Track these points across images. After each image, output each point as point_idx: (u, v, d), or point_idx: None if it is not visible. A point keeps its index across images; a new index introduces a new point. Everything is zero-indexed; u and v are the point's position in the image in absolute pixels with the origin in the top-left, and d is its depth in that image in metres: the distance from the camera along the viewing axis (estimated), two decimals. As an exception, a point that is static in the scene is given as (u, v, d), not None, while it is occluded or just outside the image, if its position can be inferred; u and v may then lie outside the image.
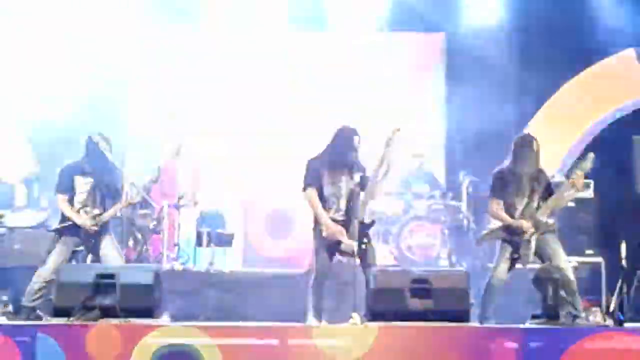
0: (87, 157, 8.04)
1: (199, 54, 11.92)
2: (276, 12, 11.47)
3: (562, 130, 11.47)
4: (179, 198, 10.37)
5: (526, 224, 7.63)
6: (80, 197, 8.02)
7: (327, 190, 7.59)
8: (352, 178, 7.56)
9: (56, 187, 8.08)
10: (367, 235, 7.46)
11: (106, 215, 8.02)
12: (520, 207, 7.72)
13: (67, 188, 8.01)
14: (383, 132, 7.55)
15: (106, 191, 8.08)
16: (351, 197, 7.57)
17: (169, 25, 11.60)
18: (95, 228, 7.96)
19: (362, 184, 7.55)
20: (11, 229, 9.50)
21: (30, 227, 9.56)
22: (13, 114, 11.33)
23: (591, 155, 7.65)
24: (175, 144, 8.18)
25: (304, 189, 7.61)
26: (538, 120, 11.52)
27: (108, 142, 8.05)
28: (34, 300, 7.90)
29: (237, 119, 11.92)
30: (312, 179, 7.58)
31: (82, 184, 8.02)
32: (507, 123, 11.35)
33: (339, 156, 7.60)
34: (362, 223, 7.46)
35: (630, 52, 11.46)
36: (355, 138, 7.62)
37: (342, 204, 7.60)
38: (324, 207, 7.56)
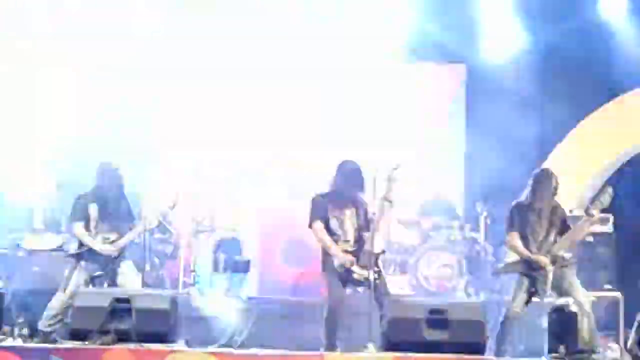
0: (99, 185, 8.12)
1: (222, 79, 11.95)
2: (301, 40, 11.49)
3: (583, 163, 11.42)
4: (197, 223, 10.38)
5: (544, 260, 7.57)
6: (94, 223, 8.07)
7: (334, 223, 7.65)
8: (357, 211, 7.61)
9: (72, 216, 8.18)
10: (377, 265, 7.46)
11: (124, 240, 8.06)
12: (537, 241, 7.69)
13: (82, 216, 8.08)
14: (385, 168, 7.60)
15: (120, 217, 8.13)
16: (358, 229, 7.61)
17: (191, 49, 11.67)
18: (116, 253, 8.00)
19: (367, 218, 7.58)
20: (30, 252, 9.52)
21: (49, 250, 9.58)
22: (32, 137, 11.39)
23: (610, 189, 7.62)
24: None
25: (311, 224, 7.67)
26: (559, 152, 11.47)
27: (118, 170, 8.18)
28: (50, 326, 7.92)
29: (255, 144, 11.95)
30: (318, 213, 7.67)
31: (97, 211, 8.07)
32: (528, 155, 11.33)
33: (344, 190, 7.66)
34: (371, 253, 7.46)
35: (654, 85, 11.42)
36: (358, 172, 7.68)
37: (350, 236, 7.65)
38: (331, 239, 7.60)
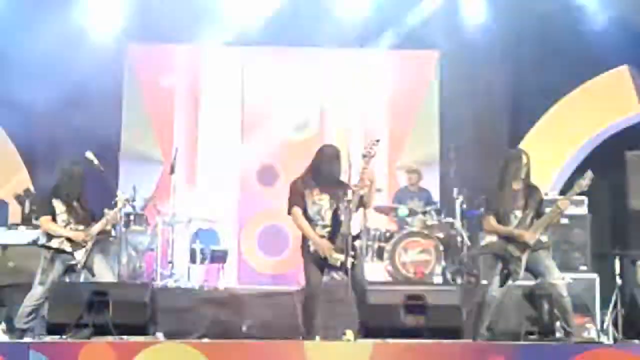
0: (63, 180, 8.10)
1: (191, 70, 11.93)
2: (274, 26, 11.46)
3: (556, 147, 11.48)
4: (173, 215, 10.36)
5: (528, 234, 7.59)
6: (61, 217, 8.04)
7: (311, 208, 7.64)
8: (335, 195, 7.61)
9: (38, 212, 8.15)
10: (354, 248, 7.45)
11: (94, 229, 8.02)
12: (513, 224, 7.70)
13: (48, 211, 8.05)
14: (362, 145, 7.60)
15: (86, 211, 8.12)
16: (335, 213, 7.61)
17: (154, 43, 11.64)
18: (88, 239, 7.97)
19: (346, 200, 7.58)
20: (5, 247, 9.47)
21: (25, 245, 9.52)
22: (5, 131, 11.30)
23: (589, 173, 7.64)
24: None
25: (289, 210, 7.67)
26: (532, 137, 11.53)
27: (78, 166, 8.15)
28: (26, 323, 7.88)
29: (230, 133, 11.95)
30: (296, 200, 7.67)
31: (62, 206, 8.05)
32: (501, 140, 11.39)
33: (322, 174, 7.66)
34: (347, 235, 7.46)
35: (623, 69, 11.48)
36: (338, 156, 7.68)
37: (327, 220, 7.63)
38: (309, 224, 7.61)
